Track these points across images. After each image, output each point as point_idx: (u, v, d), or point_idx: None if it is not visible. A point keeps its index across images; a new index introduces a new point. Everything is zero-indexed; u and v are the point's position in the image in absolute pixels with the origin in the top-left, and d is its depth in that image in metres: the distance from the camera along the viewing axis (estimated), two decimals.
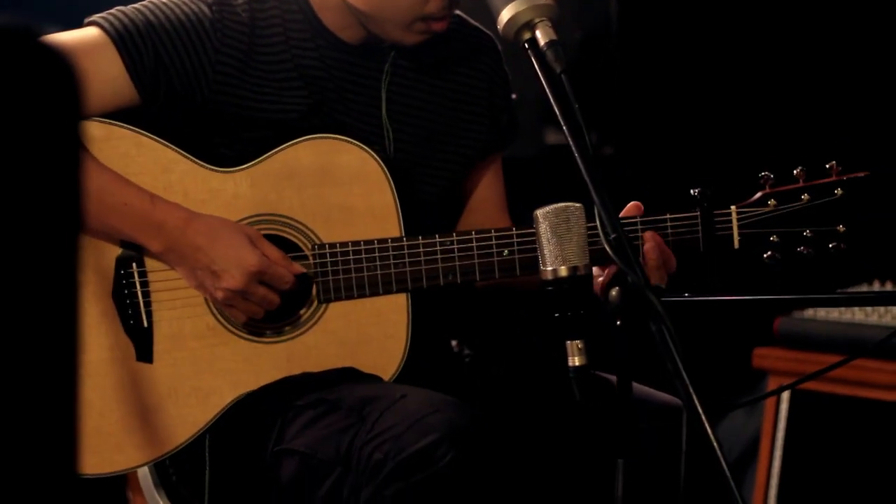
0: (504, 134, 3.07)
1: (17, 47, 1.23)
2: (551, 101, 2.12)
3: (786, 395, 4.35)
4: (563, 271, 2.14)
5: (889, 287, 4.41)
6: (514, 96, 3.09)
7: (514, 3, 2.20)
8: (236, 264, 2.70)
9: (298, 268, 2.77)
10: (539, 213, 2.14)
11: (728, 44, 5.14)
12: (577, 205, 2.13)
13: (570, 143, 2.08)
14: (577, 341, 2.15)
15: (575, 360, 2.15)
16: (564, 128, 2.09)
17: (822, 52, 5.11)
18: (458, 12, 2.97)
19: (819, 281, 4.34)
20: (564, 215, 2.13)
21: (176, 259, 2.76)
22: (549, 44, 2.16)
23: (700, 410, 1.93)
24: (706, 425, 1.92)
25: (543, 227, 2.13)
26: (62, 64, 1.26)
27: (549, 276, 2.15)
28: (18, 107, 1.23)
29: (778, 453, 4.44)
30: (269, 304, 2.75)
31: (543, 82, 2.14)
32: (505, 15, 2.21)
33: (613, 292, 2.05)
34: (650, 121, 5.15)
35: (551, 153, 4.78)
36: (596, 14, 4.87)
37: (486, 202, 3.08)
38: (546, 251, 2.14)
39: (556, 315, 2.15)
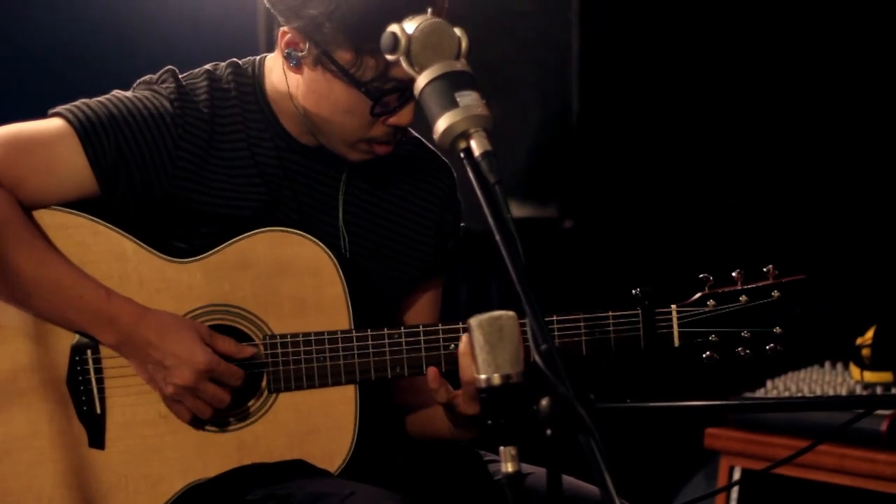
0: (447, 258, 2.97)
1: None
2: (485, 210, 2.03)
3: (737, 477, 4.25)
4: (496, 379, 2.04)
5: (839, 367, 4.32)
6: (462, 224, 3.00)
7: (449, 113, 2.11)
8: (186, 361, 2.63)
9: (249, 350, 2.69)
10: (473, 321, 2.05)
11: (679, 134, 5.15)
12: (511, 314, 2.04)
13: (503, 252, 1.99)
14: (511, 448, 2.06)
15: (508, 467, 2.06)
16: (497, 237, 2.00)
17: (762, 159, 5.12)
18: (417, 136, 2.91)
19: (771, 363, 4.27)
20: (497, 324, 2.04)
21: (128, 352, 2.68)
22: (484, 154, 2.07)
23: None
24: None
25: (477, 336, 2.04)
26: None
27: (483, 385, 2.06)
28: None
29: None
30: (219, 402, 2.67)
31: (478, 192, 2.05)
32: (441, 124, 2.12)
33: (544, 402, 1.96)
34: (606, 199, 5.13)
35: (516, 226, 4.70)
36: (557, 92, 4.82)
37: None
38: (479, 359, 2.05)
39: (490, 422, 2.07)
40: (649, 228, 5.12)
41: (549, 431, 1.96)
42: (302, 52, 2.66)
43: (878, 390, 4.06)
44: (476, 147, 2.08)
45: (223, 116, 2.78)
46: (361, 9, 2.55)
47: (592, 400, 1.95)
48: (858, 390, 4.10)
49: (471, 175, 2.07)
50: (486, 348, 2.05)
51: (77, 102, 2.75)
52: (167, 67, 2.82)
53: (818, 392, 4.11)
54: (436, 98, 2.14)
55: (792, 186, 5.07)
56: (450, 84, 2.14)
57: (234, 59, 2.85)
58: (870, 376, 4.12)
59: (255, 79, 2.81)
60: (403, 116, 2.68)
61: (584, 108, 4.84)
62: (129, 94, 2.78)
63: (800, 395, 4.17)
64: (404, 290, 2.92)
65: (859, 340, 4.14)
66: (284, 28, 2.68)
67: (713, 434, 4.32)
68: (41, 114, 2.77)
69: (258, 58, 2.85)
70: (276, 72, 2.78)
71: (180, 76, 2.80)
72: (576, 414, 1.91)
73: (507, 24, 4.65)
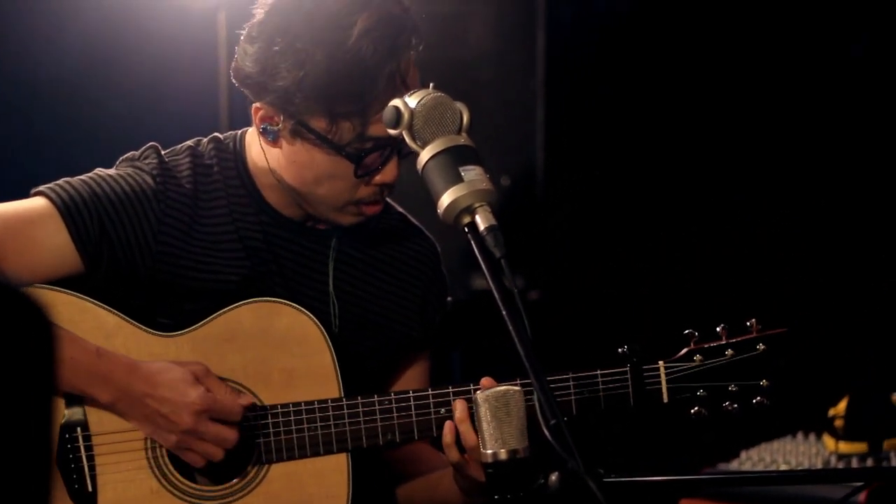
0: (433, 333, 2.88)
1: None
2: (490, 284, 1.99)
3: None
4: (503, 454, 2.01)
5: (812, 438, 4.25)
6: (449, 299, 2.92)
7: (454, 188, 2.07)
8: (181, 405, 2.54)
9: (247, 398, 2.60)
10: (479, 396, 2.01)
11: (646, 203, 5.13)
12: (517, 388, 2.01)
13: (510, 327, 1.95)
14: None
15: None
16: (503, 312, 1.96)
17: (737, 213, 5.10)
18: (401, 210, 2.85)
19: (744, 432, 4.22)
20: (504, 399, 2.00)
21: (126, 408, 2.58)
22: (489, 229, 2.03)
23: None
24: None
25: (483, 411, 2.00)
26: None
27: (489, 459, 2.02)
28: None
29: None
30: (225, 441, 2.57)
31: (483, 266, 2.01)
32: (445, 199, 2.07)
33: (553, 477, 1.92)
34: (575, 268, 5.10)
35: (478, 297, 4.67)
36: (522, 162, 4.80)
37: None
38: (486, 434, 2.01)
39: (496, 497, 2.03)
40: (616, 297, 5.09)
41: None
42: (277, 125, 2.61)
43: (854, 461, 3.99)
44: (481, 221, 2.04)
45: (206, 192, 2.70)
46: (328, 74, 2.50)
47: (602, 474, 1.91)
48: (833, 461, 4.03)
49: (475, 249, 2.03)
50: (493, 423, 2.02)
51: (60, 181, 2.67)
52: (150, 144, 2.74)
53: (793, 463, 4.01)
54: (439, 173, 2.10)
55: (764, 242, 5.05)
56: (453, 158, 2.11)
57: (217, 135, 2.77)
58: (844, 447, 4.03)
59: (236, 153, 2.74)
60: (388, 174, 2.61)
61: (548, 179, 4.82)
62: (111, 171, 2.70)
63: (774, 466, 4.09)
64: (391, 360, 2.83)
65: (832, 411, 4.06)
66: (257, 104, 2.62)
67: None
68: (23, 194, 2.70)
69: (239, 132, 2.77)
70: (256, 147, 2.71)
71: (163, 153, 2.74)
72: (586, 489, 1.87)
73: (470, 93, 4.60)
